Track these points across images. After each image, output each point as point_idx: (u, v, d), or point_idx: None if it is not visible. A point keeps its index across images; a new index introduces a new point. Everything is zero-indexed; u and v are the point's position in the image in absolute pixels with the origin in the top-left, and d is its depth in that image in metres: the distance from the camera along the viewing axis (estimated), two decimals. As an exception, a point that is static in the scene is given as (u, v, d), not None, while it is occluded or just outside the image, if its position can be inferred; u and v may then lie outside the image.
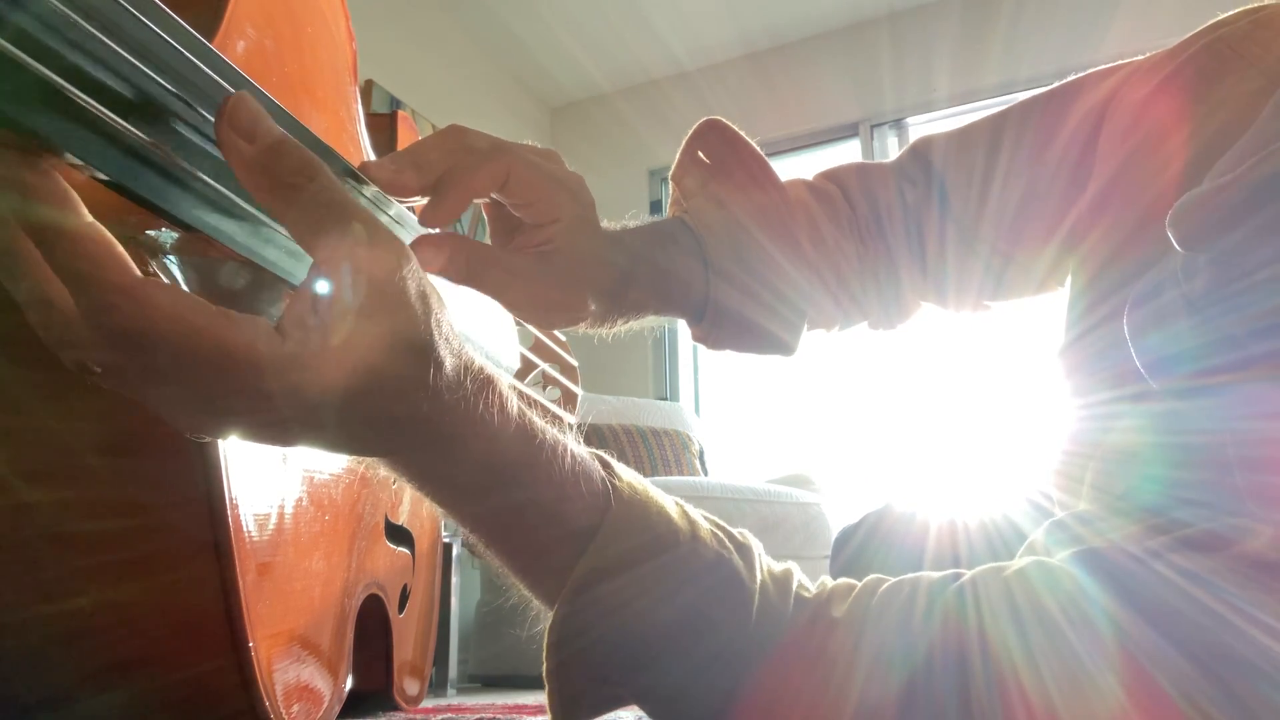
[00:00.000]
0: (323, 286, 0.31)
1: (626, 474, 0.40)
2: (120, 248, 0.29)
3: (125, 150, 0.30)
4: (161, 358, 0.29)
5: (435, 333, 0.34)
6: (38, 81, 0.27)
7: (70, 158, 0.29)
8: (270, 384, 0.30)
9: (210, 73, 0.33)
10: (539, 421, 0.37)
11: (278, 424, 0.32)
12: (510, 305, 0.49)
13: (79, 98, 0.28)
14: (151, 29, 0.31)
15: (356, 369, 0.31)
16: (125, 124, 0.30)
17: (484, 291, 0.47)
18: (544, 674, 0.38)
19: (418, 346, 0.33)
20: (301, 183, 0.31)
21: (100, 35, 0.29)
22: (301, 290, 0.32)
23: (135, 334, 0.28)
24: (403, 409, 0.33)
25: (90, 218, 0.30)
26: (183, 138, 0.32)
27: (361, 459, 0.35)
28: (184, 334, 0.29)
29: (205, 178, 0.33)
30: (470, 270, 0.45)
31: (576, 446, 0.39)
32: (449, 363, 0.34)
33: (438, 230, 0.46)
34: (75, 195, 0.30)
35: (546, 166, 0.47)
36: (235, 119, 0.31)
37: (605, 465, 0.40)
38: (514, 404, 0.36)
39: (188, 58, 0.32)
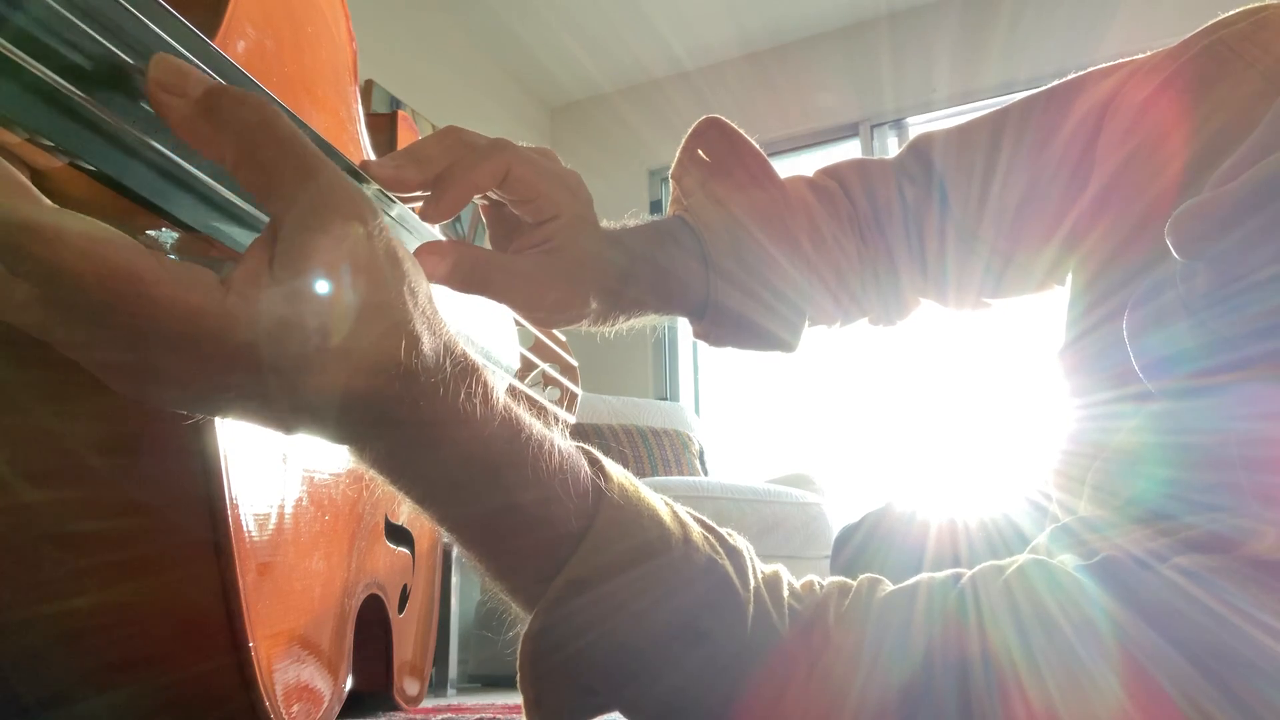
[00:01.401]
0: (277, 239, 0.28)
1: (616, 472, 0.38)
2: (33, 188, 0.26)
3: (126, 150, 0.30)
4: (81, 300, 0.25)
5: (409, 302, 0.31)
6: (38, 81, 0.27)
7: (70, 157, 0.29)
8: (207, 344, 0.27)
9: (212, 74, 0.33)
10: (525, 416, 0.35)
11: (216, 393, 0.29)
12: (514, 306, 0.49)
13: (79, 98, 0.28)
14: (153, 29, 0.31)
15: (309, 334, 0.28)
16: (125, 124, 0.30)
17: (488, 296, 0.47)
18: (519, 682, 0.35)
19: (386, 315, 0.30)
20: (246, 116, 0.29)
21: (101, 35, 0.29)
22: (255, 244, 0.29)
23: (42, 271, 0.25)
24: (368, 387, 0.30)
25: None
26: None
27: (327, 443, 0.32)
28: (97, 275, 0.25)
29: (205, 177, 0.33)
30: (474, 277, 0.45)
31: (564, 443, 0.36)
32: (426, 341, 0.31)
33: (440, 239, 0.47)
34: None
35: (545, 163, 0.48)
36: (162, 78, 0.29)
37: (594, 463, 0.38)
38: (499, 396, 0.34)
39: (189, 57, 0.32)
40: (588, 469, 0.37)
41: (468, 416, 0.32)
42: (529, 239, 0.49)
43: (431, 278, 0.43)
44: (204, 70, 0.32)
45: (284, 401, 0.29)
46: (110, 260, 0.25)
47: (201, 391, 0.28)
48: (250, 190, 0.29)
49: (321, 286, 0.28)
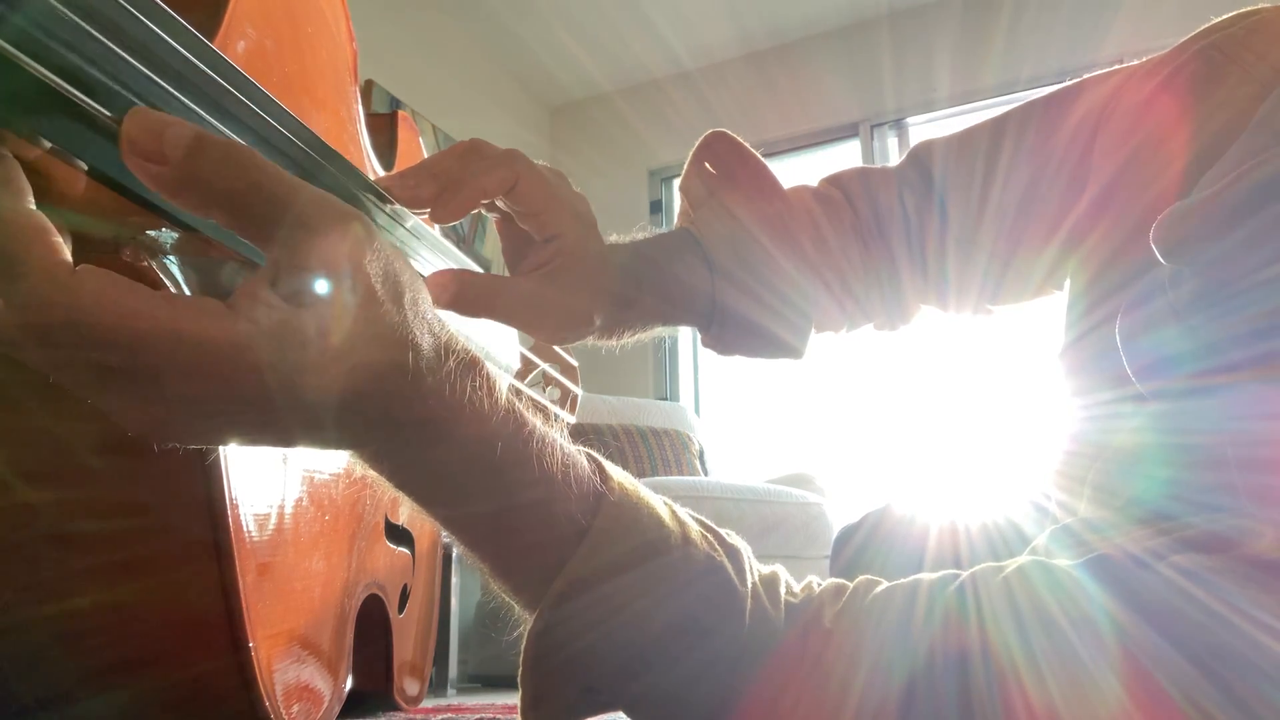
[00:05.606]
0: (280, 273, 0.29)
1: (616, 473, 0.38)
2: (56, 236, 0.26)
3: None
4: (98, 350, 0.26)
5: (409, 314, 0.31)
6: (37, 81, 0.27)
7: (69, 158, 0.29)
8: (217, 370, 0.27)
9: (212, 73, 0.33)
10: (527, 414, 0.35)
11: (227, 418, 0.29)
12: (519, 328, 0.50)
13: (78, 98, 0.28)
14: (152, 29, 0.31)
15: (309, 337, 0.28)
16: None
17: (495, 319, 0.48)
18: (520, 679, 0.36)
19: (388, 332, 0.30)
20: (234, 184, 0.28)
21: (100, 35, 0.28)
22: (259, 272, 0.30)
23: (63, 325, 0.25)
24: (371, 387, 0.30)
25: (31, 207, 0.27)
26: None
27: (334, 452, 0.33)
28: (117, 322, 0.26)
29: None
30: (478, 303, 0.46)
31: (566, 443, 0.37)
32: (426, 344, 0.32)
33: (446, 261, 0.48)
34: (23, 182, 0.27)
35: (554, 181, 0.49)
36: (136, 141, 0.27)
37: (594, 464, 0.38)
38: (503, 390, 0.34)
39: (188, 58, 0.32)
40: (589, 470, 0.37)
41: (472, 413, 0.33)
42: (535, 259, 0.50)
43: (435, 304, 0.43)
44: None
45: (292, 412, 0.29)
46: (130, 308, 0.26)
47: (211, 417, 0.29)
48: (250, 237, 0.30)
49: (319, 287, 0.29)
